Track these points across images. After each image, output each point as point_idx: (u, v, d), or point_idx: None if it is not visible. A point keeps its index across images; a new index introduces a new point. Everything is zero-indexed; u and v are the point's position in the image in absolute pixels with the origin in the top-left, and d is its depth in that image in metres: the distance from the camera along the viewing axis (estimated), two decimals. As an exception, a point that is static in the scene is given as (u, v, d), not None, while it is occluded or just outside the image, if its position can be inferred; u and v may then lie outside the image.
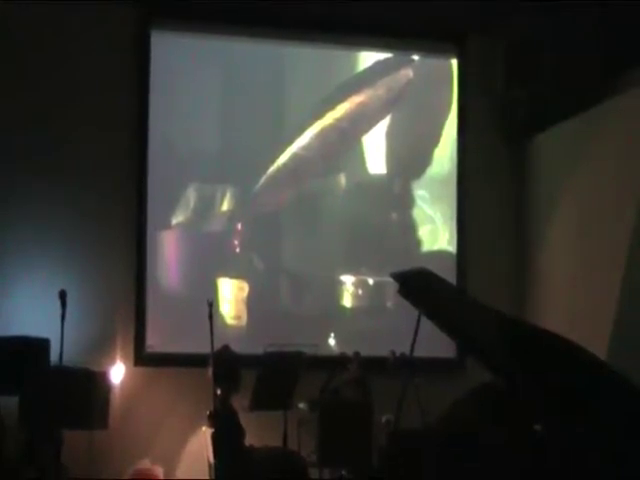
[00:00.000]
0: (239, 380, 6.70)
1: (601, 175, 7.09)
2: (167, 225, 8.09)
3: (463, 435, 4.05)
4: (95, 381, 7.12)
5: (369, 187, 8.45)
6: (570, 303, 7.52)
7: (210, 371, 6.48)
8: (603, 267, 6.95)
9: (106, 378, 7.36)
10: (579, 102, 7.24)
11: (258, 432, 6.92)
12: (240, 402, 6.74)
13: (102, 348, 7.69)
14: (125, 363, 7.77)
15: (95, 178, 7.88)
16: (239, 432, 6.65)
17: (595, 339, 6.11)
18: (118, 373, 7.66)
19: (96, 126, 7.88)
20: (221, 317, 7.93)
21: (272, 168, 8.20)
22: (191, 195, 8.12)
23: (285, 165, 8.23)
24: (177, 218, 8.10)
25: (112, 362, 7.67)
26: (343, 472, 7.07)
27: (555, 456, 3.57)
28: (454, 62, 8.63)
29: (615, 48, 6.72)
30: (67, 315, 6.00)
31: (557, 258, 7.85)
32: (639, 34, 6.47)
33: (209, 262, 8.12)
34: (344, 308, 8.31)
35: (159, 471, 7.66)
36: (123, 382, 7.66)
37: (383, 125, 8.50)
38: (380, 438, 6.63)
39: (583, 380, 3.67)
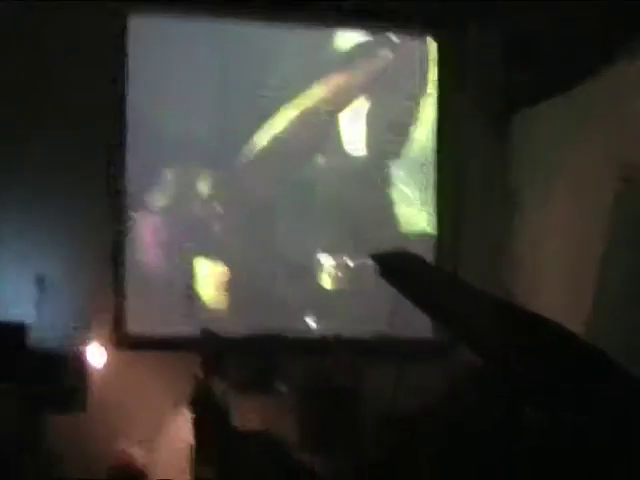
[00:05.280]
0: (221, 363, 6.70)
1: (586, 154, 7.07)
2: (146, 207, 8.05)
3: (455, 419, 4.04)
4: (73, 364, 7.10)
5: (348, 168, 8.42)
6: (550, 282, 7.53)
7: (192, 354, 6.47)
8: (589, 245, 6.94)
9: (84, 360, 7.33)
10: (563, 79, 7.22)
11: (240, 416, 6.91)
12: (222, 385, 6.74)
13: (80, 330, 7.59)
14: (104, 346, 7.70)
15: (72, 160, 7.80)
16: (222, 415, 6.64)
17: (579, 316, 6.12)
18: (97, 356, 7.61)
19: (74, 109, 7.79)
20: (201, 300, 7.91)
21: (251, 150, 8.17)
22: (170, 177, 8.08)
23: (264, 147, 8.19)
24: (156, 200, 8.06)
25: (90, 345, 7.61)
26: (329, 458, 7.09)
27: (547, 439, 3.55)
28: (434, 44, 8.59)
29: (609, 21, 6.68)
30: (44, 297, 5.97)
31: (541, 238, 7.85)
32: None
33: (189, 244, 8.09)
34: (324, 290, 8.29)
35: (139, 455, 7.63)
36: (102, 365, 7.62)
37: (362, 106, 8.47)
38: (368, 422, 6.64)
39: (576, 365, 3.66)
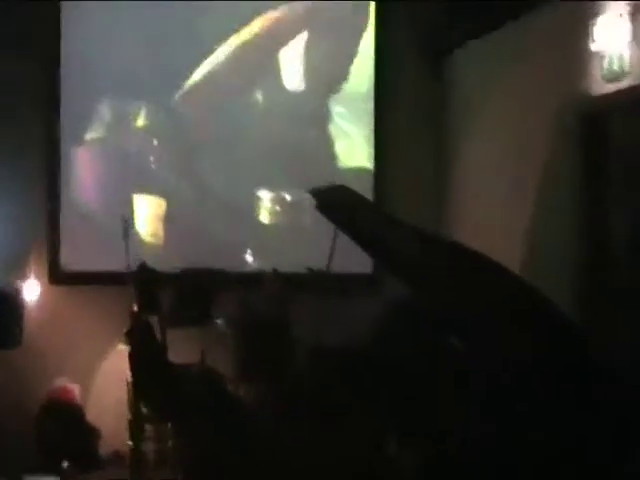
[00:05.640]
0: (156, 297, 6.70)
1: (519, 90, 7.13)
2: (81, 141, 7.94)
3: (381, 350, 4.08)
4: (8, 299, 7.06)
5: (286, 103, 8.37)
6: (487, 218, 7.62)
7: (128, 289, 6.46)
8: (521, 181, 7.03)
9: (19, 296, 7.28)
10: (498, 17, 7.21)
11: (176, 349, 6.92)
12: (158, 319, 6.75)
13: (16, 266, 7.59)
14: (39, 281, 7.68)
15: (6, 94, 7.68)
16: (157, 348, 6.65)
17: (510, 254, 6.20)
18: (32, 291, 7.58)
19: (7, 42, 7.64)
20: (137, 235, 7.84)
21: (188, 84, 8.08)
22: (105, 110, 7.97)
23: (201, 81, 8.11)
24: (91, 134, 7.95)
25: (26, 280, 7.58)
26: (261, 388, 7.15)
27: (473, 369, 3.61)
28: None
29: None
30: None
31: (475, 173, 7.92)
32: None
33: (125, 179, 8.01)
34: (262, 224, 8.28)
35: (75, 389, 7.65)
36: (38, 300, 7.60)
37: (300, 41, 8.41)
38: (298, 354, 6.70)
39: (501, 296, 3.71)
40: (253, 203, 8.25)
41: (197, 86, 8.11)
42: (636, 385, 3.26)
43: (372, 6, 8.51)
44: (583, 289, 6.18)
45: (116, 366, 7.36)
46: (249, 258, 8.20)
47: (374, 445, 3.84)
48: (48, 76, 7.82)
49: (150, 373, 6.33)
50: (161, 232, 8.05)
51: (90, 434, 7.59)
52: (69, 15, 7.85)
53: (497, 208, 7.47)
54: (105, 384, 7.73)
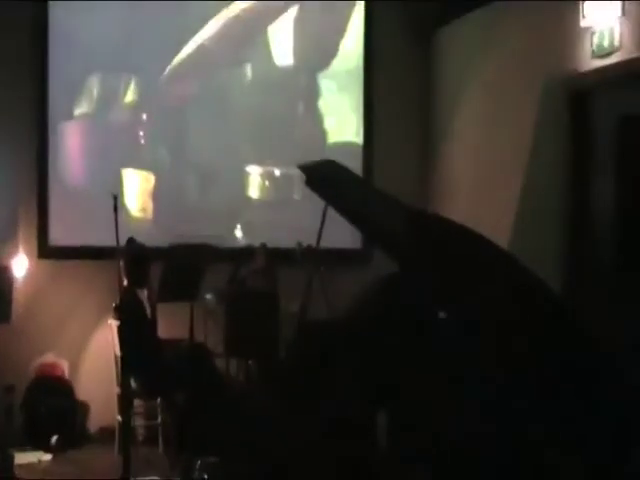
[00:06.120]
0: (146, 272, 6.70)
1: (508, 65, 7.16)
2: (69, 116, 7.92)
3: (368, 325, 4.10)
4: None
5: (275, 78, 8.37)
6: (474, 192, 7.67)
7: (117, 264, 6.46)
8: (508, 157, 7.07)
9: (8, 271, 7.27)
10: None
11: (165, 324, 6.97)
12: (147, 293, 6.77)
13: (4, 241, 7.60)
14: (28, 256, 7.69)
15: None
16: (147, 323, 6.68)
17: (497, 230, 6.24)
18: (21, 266, 7.59)
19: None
20: (126, 210, 7.86)
21: (177, 58, 8.07)
22: (94, 85, 7.95)
23: (190, 56, 8.09)
24: (80, 109, 7.93)
25: (15, 255, 7.60)
26: (249, 362, 7.19)
27: (458, 343, 3.63)
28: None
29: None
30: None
31: (462, 148, 7.97)
32: None
33: (113, 153, 8.00)
34: (251, 200, 8.30)
35: (64, 365, 7.69)
36: (26, 275, 7.61)
37: (289, 16, 8.40)
38: (287, 328, 6.72)
39: (488, 269, 3.73)
40: (242, 178, 8.26)
41: (186, 61, 8.09)
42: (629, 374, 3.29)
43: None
44: (567, 271, 6.25)
45: (105, 341, 7.41)
46: (238, 233, 8.22)
47: (359, 418, 3.87)
48: (36, 51, 7.79)
49: (139, 347, 6.37)
50: (150, 207, 8.06)
51: (79, 409, 7.64)
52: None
53: (484, 182, 7.52)
54: (94, 359, 7.76)
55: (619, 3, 5.68)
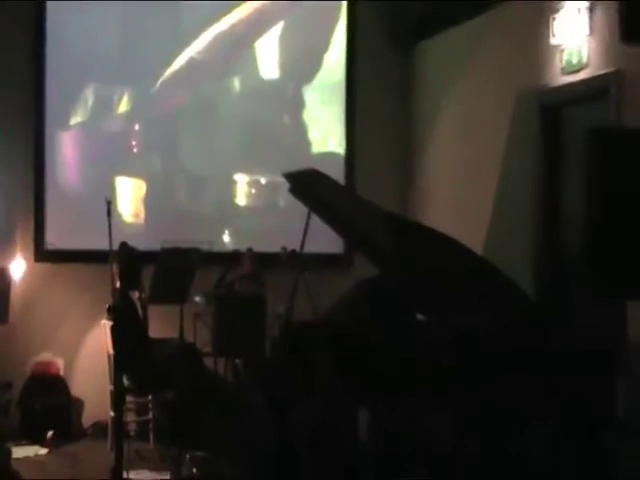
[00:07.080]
0: (138, 275, 6.86)
1: (484, 80, 7.34)
2: (66, 125, 8.14)
3: (350, 326, 4.27)
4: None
5: (262, 90, 8.57)
6: (452, 201, 7.83)
7: (110, 267, 6.56)
8: (483, 168, 7.25)
9: (6, 274, 7.45)
10: (465, 9, 7.40)
11: (156, 325, 7.13)
12: (139, 295, 6.94)
13: (1, 245, 7.77)
14: (25, 259, 7.86)
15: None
16: (139, 323, 6.83)
17: (473, 237, 6.42)
18: (18, 269, 7.76)
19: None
20: (119, 215, 8.01)
21: (169, 70, 8.29)
22: (89, 95, 8.16)
23: (181, 68, 8.31)
24: (76, 118, 8.16)
25: (12, 258, 7.76)
26: (237, 362, 7.35)
27: (438, 343, 3.81)
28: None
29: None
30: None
31: (442, 159, 8.13)
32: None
33: (107, 161, 8.21)
34: (238, 206, 8.51)
35: (59, 363, 7.83)
36: (23, 278, 7.77)
37: (276, 31, 8.60)
38: (273, 330, 6.90)
39: (464, 274, 3.93)
40: (230, 186, 8.47)
41: (177, 73, 8.31)
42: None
43: (344, 1, 8.73)
44: (539, 269, 6.46)
45: (99, 340, 7.54)
46: (226, 238, 8.45)
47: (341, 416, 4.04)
48: (33, 60, 7.97)
49: (131, 347, 6.49)
50: (142, 213, 8.26)
51: (73, 406, 7.80)
52: (54, 1, 8.02)
53: (461, 191, 7.68)
54: (88, 358, 7.90)
55: (587, 22, 5.85)
